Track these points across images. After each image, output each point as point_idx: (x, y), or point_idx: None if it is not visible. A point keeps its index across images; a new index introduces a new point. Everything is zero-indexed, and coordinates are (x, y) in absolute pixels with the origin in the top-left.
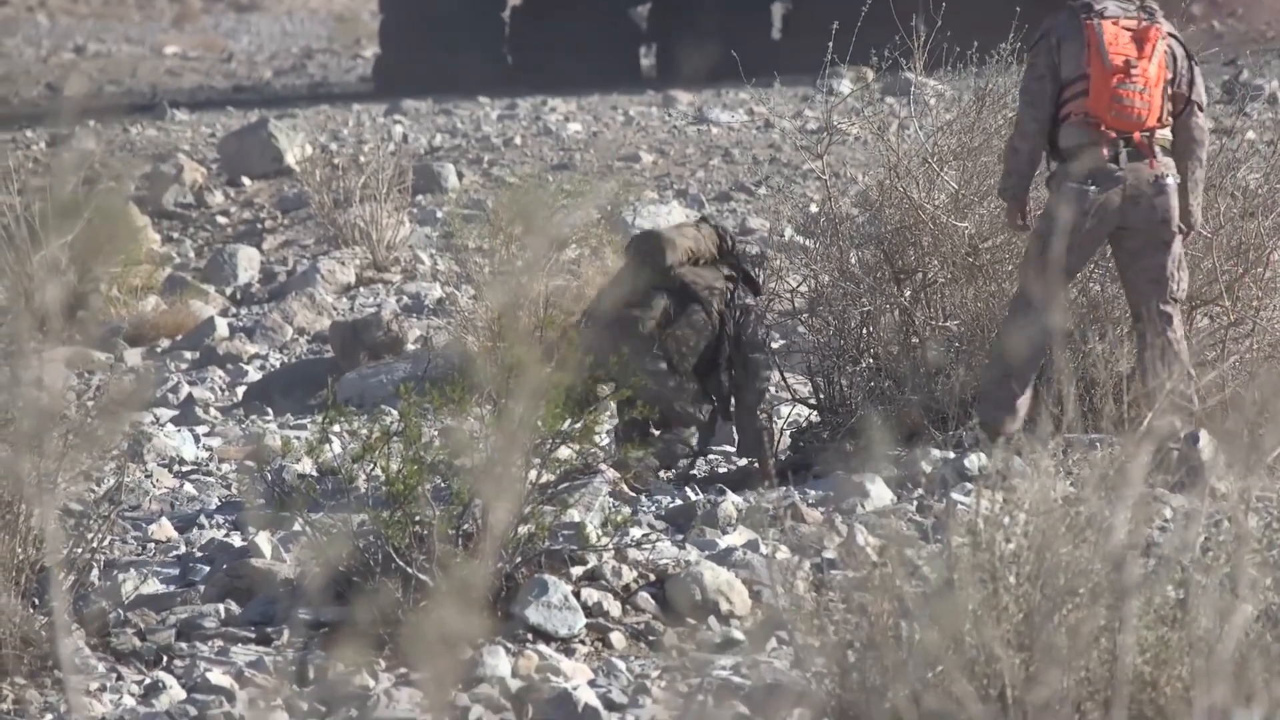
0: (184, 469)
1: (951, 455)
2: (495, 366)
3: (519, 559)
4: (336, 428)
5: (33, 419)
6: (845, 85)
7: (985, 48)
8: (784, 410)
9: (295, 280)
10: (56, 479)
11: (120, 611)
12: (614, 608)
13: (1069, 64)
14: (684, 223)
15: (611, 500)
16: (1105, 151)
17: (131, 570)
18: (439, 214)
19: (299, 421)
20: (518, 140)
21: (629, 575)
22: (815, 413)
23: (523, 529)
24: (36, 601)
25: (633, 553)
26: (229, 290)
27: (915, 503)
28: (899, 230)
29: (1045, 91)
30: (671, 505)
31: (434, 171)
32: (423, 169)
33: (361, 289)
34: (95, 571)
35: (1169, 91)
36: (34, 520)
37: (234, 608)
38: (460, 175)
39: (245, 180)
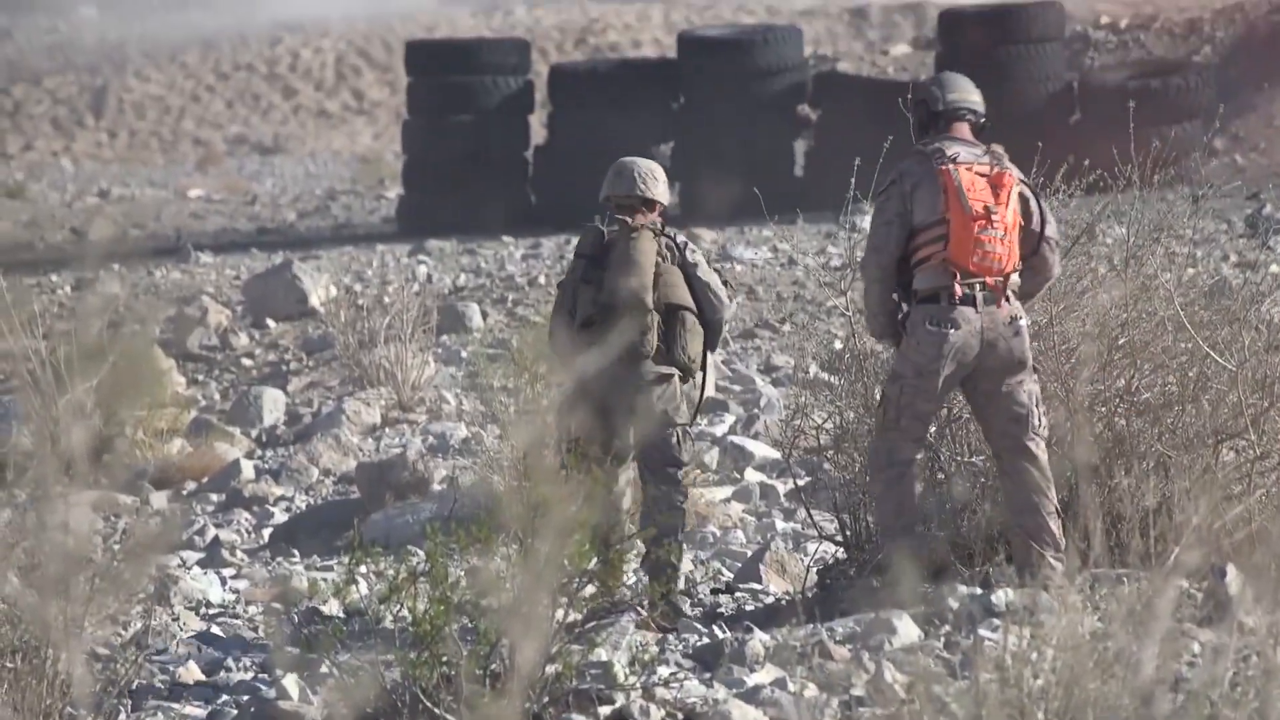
0: (211, 612)
1: (978, 591)
2: (521, 506)
3: (546, 699)
4: (363, 569)
5: (59, 563)
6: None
7: None
8: (810, 547)
9: (321, 421)
10: (84, 623)
11: None
12: None
13: (923, 209)
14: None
15: (639, 639)
16: (962, 294)
17: (159, 714)
18: (464, 354)
19: (325, 563)
20: (542, 279)
21: (657, 714)
22: (842, 549)
23: (550, 668)
24: None
25: (661, 691)
26: (254, 432)
27: (943, 639)
28: None
29: (893, 237)
30: (699, 643)
31: (458, 311)
32: (447, 309)
33: (387, 429)
34: (123, 715)
35: (1020, 236)
36: (61, 664)
37: None
38: (484, 315)
39: (270, 322)
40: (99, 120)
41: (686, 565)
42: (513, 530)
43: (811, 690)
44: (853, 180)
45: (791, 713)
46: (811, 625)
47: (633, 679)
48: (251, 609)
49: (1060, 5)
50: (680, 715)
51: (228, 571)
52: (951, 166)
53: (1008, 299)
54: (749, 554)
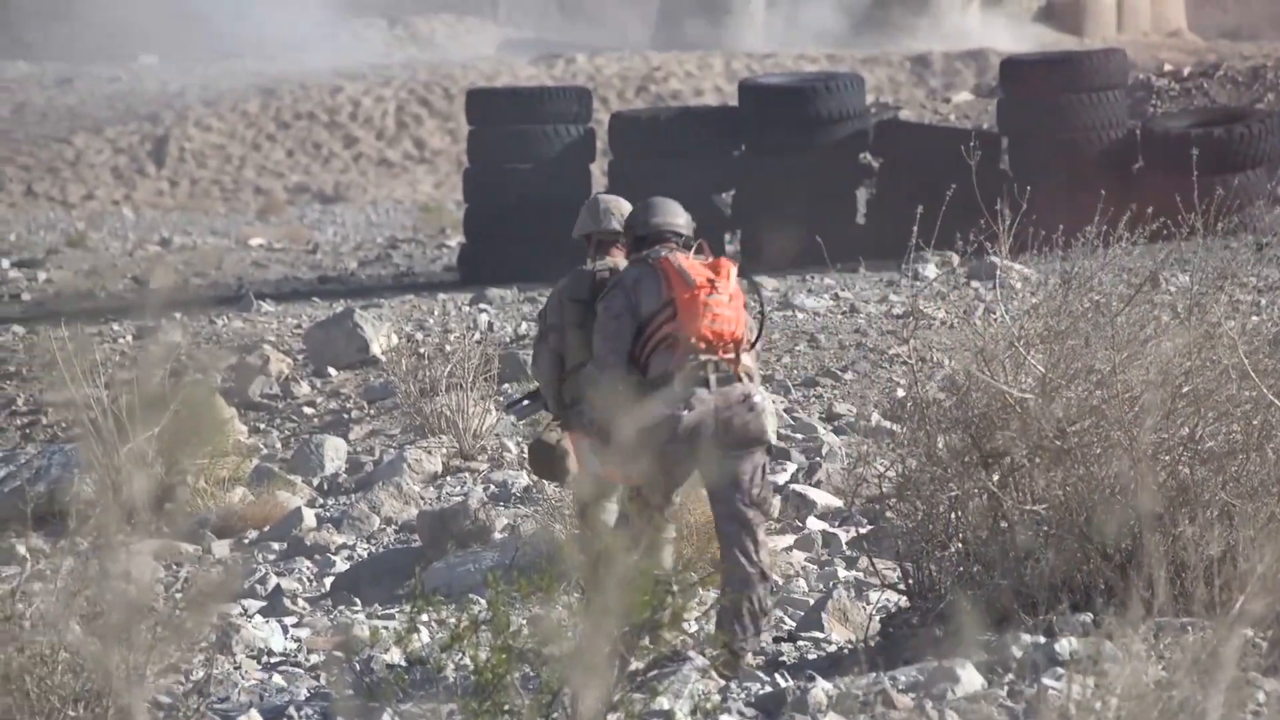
0: (273, 660)
1: (1042, 640)
2: (583, 554)
3: None
4: (425, 617)
5: (122, 611)
6: (930, 270)
7: (1070, 230)
8: (873, 596)
9: (382, 470)
10: (146, 671)
11: None
12: None
13: (649, 299)
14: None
15: (701, 687)
16: (696, 374)
17: None
18: (525, 402)
19: (387, 611)
20: None
21: None
22: (904, 598)
23: (612, 717)
24: None
25: None
26: (316, 481)
27: (1006, 688)
28: (986, 414)
29: (625, 328)
30: (761, 691)
31: (520, 359)
32: (508, 357)
33: (448, 478)
34: None
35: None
36: (124, 713)
37: None
38: None
39: (331, 370)
40: (160, 169)
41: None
42: (574, 578)
43: None
44: (915, 228)
45: None
46: (874, 674)
47: None
48: (313, 657)
49: (1123, 53)
50: None
51: (289, 620)
52: (667, 257)
53: (742, 379)
54: (811, 602)
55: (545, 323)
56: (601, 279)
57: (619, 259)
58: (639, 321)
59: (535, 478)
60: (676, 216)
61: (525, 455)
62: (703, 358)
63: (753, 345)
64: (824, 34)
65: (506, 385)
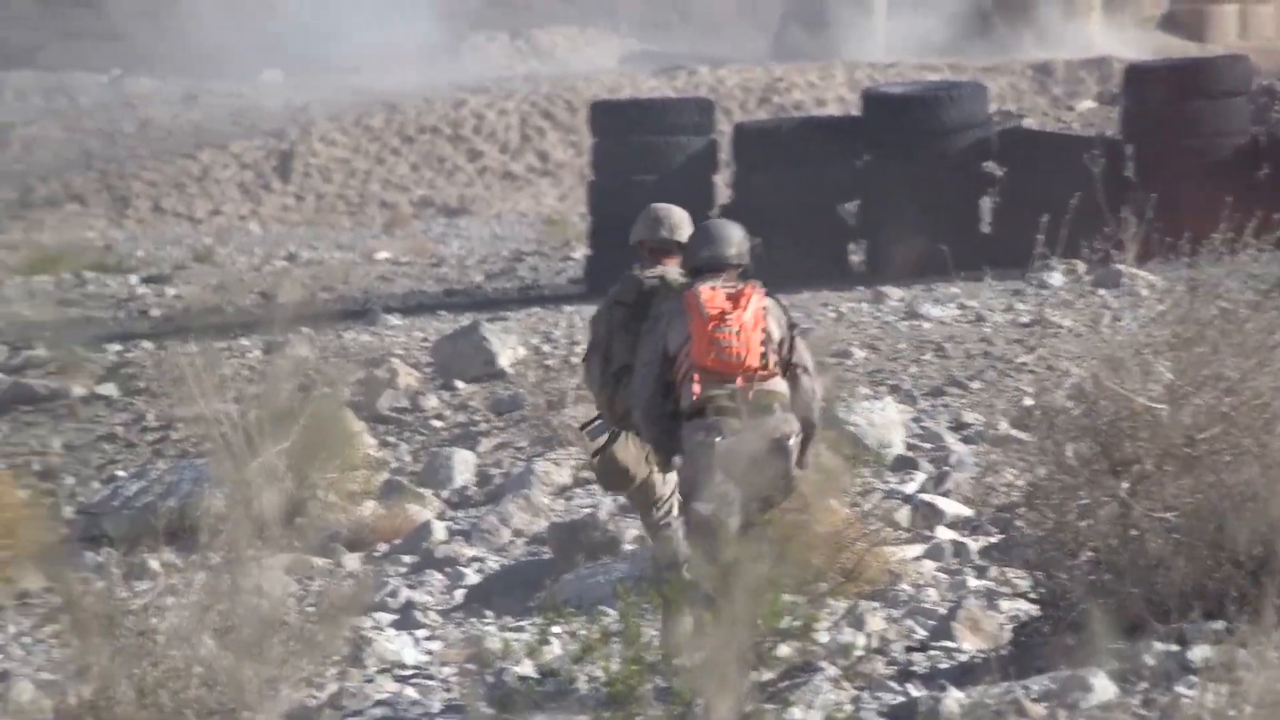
0: (405, 673)
1: (1175, 648)
2: (713, 565)
3: None
4: (556, 629)
5: (254, 626)
6: (1057, 278)
7: (1196, 237)
8: (1004, 605)
9: (511, 482)
10: (279, 685)
11: None
12: None
13: (676, 334)
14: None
15: (833, 697)
16: (728, 405)
17: None
18: None
19: (518, 623)
20: None
21: None
22: (1036, 607)
23: None
24: None
25: None
26: (445, 494)
27: (1139, 696)
28: (1115, 422)
29: (650, 377)
30: (894, 701)
31: None
32: None
33: (578, 490)
34: None
35: (772, 344)
36: None
37: None
38: None
39: (459, 383)
40: (286, 184)
41: (880, 624)
42: (705, 589)
43: None
44: (1040, 236)
45: None
46: (1006, 683)
47: None
48: (445, 670)
49: (1247, 59)
50: None
51: (421, 633)
52: (696, 288)
53: (774, 413)
54: (942, 611)
55: (593, 337)
56: (651, 287)
57: (671, 267)
58: (671, 356)
59: (604, 489)
60: (727, 247)
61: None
62: (727, 387)
63: (785, 368)
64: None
65: None
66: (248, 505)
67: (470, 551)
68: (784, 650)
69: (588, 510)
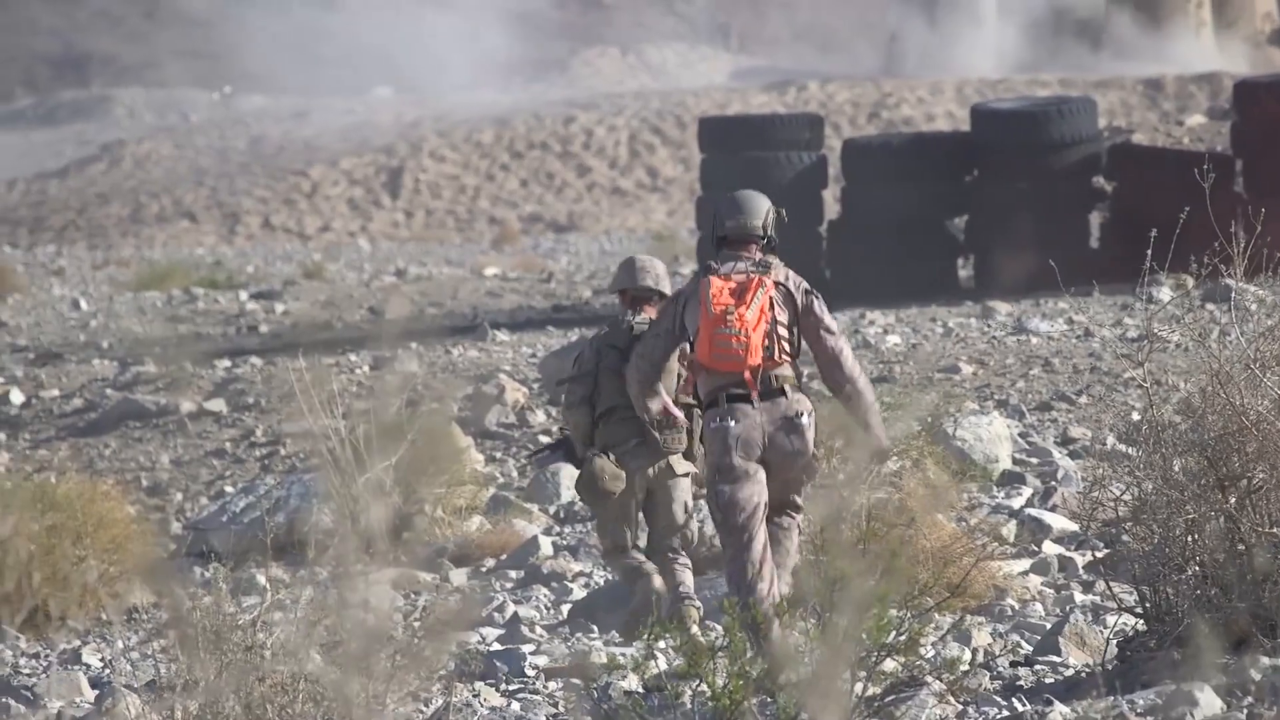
0: (511, 688)
1: None
2: (819, 580)
3: None
4: (661, 644)
5: (361, 640)
6: (1165, 292)
7: None
8: (1110, 619)
9: None
10: (385, 700)
11: None
12: None
13: (692, 320)
14: None
15: (939, 712)
16: (738, 391)
17: None
18: None
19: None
20: None
21: None
22: (1142, 621)
23: None
24: None
25: None
26: (552, 509)
27: (1245, 711)
28: (1223, 437)
29: (659, 348)
30: (999, 716)
31: None
32: None
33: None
34: None
35: (779, 333)
36: None
37: None
38: None
39: None
40: (395, 200)
41: (985, 639)
42: (811, 604)
43: None
44: (1149, 252)
45: None
46: (1112, 697)
47: None
48: (551, 685)
49: None
50: None
51: (527, 647)
52: (709, 278)
53: (786, 394)
54: (1048, 626)
55: (579, 369)
56: (640, 332)
57: (652, 314)
58: (687, 338)
59: (581, 502)
60: (753, 218)
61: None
62: (734, 377)
63: (793, 356)
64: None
65: None
66: (355, 520)
67: (576, 566)
68: (889, 665)
69: (694, 526)
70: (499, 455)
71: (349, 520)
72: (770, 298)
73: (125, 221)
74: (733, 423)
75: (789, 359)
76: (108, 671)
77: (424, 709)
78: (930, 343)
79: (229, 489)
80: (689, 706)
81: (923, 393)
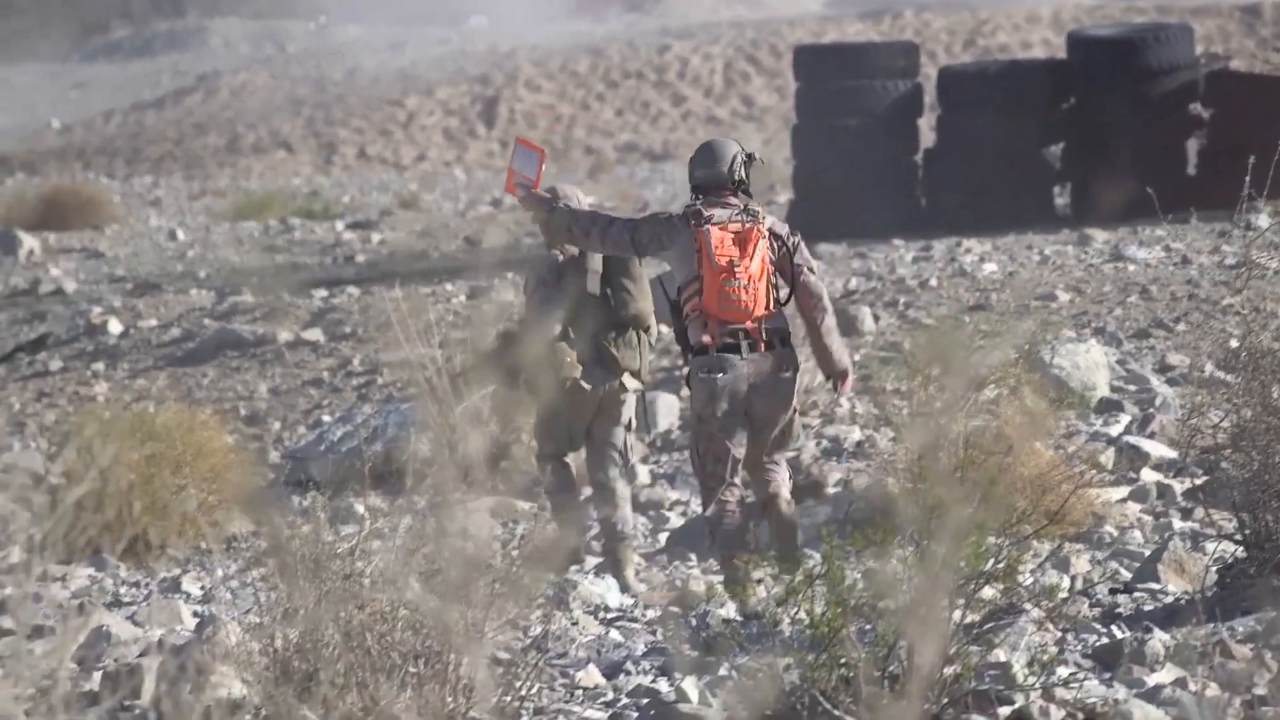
0: (609, 616)
1: None
2: (917, 508)
3: (945, 699)
4: (759, 572)
5: (460, 569)
6: (1263, 219)
7: None
8: (1209, 546)
9: None
10: (484, 628)
11: None
12: None
13: (681, 267)
14: None
15: (1037, 639)
16: (728, 342)
17: (560, 718)
18: (856, 357)
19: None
20: (933, 281)
21: (1057, 715)
22: (1241, 548)
23: (949, 670)
24: None
25: (1060, 692)
26: (649, 438)
27: None
28: None
29: (627, 229)
30: (1098, 643)
31: (850, 314)
32: (839, 312)
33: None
34: (524, 719)
35: (774, 281)
36: (463, 669)
37: None
38: (876, 318)
39: (662, 328)
40: (490, 130)
41: (1084, 566)
42: (909, 532)
43: (1213, 690)
44: (1247, 179)
45: (1193, 712)
46: (1212, 624)
47: (1032, 679)
48: (649, 613)
49: None
50: (1080, 715)
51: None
52: (706, 228)
53: (773, 346)
54: (1147, 554)
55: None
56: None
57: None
58: (644, 253)
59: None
60: (722, 164)
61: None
62: (731, 327)
63: (783, 304)
64: None
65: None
66: (453, 449)
67: (674, 495)
68: (988, 592)
69: (791, 453)
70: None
71: (447, 449)
72: (769, 248)
73: (221, 152)
74: (720, 374)
75: (780, 308)
76: (207, 600)
77: (522, 637)
78: (1027, 270)
79: (326, 418)
80: (787, 634)
81: (1020, 320)
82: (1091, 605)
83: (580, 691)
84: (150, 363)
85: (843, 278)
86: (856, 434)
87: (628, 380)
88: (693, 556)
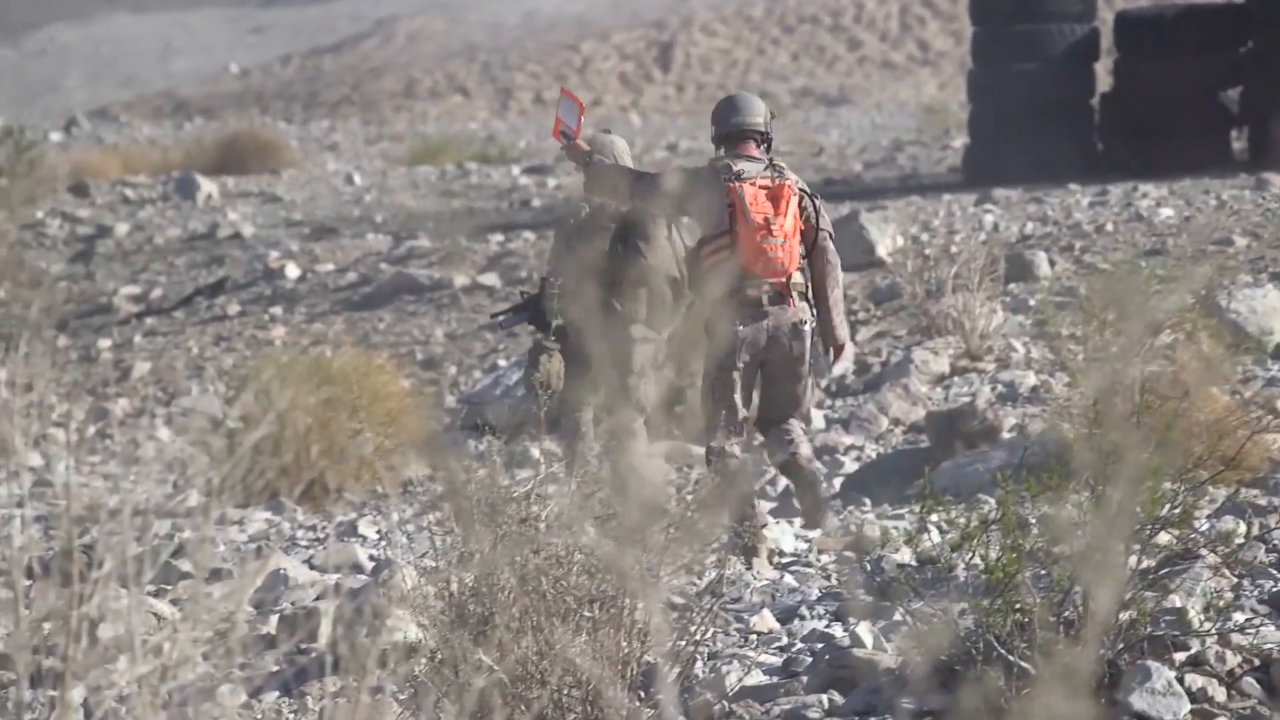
0: (784, 560)
1: None
2: (1092, 453)
3: (1121, 645)
4: (934, 517)
5: (635, 513)
6: None
7: None
8: None
9: (890, 371)
10: (659, 572)
11: (725, 704)
12: (1219, 693)
13: (707, 219)
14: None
15: (1213, 585)
16: (751, 295)
17: (734, 662)
18: (1031, 302)
19: (896, 512)
20: (1109, 226)
21: (1233, 660)
22: None
23: (1124, 615)
24: (643, 694)
25: (1236, 637)
26: (824, 383)
27: None
28: None
29: (651, 188)
30: (1275, 589)
31: (1025, 259)
32: (1014, 257)
33: (955, 378)
34: (699, 664)
35: (799, 239)
36: (639, 614)
37: (837, 698)
38: (1052, 263)
39: None
40: (666, 74)
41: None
42: (1085, 477)
43: None
44: None
45: None
46: None
47: (1208, 625)
48: (824, 558)
49: None
50: (1256, 661)
51: (799, 521)
52: (738, 184)
53: (793, 301)
54: None
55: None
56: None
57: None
58: (706, 235)
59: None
60: (752, 117)
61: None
62: (756, 280)
63: (814, 251)
64: None
65: (1012, 285)
66: (629, 393)
67: (848, 440)
68: (1163, 538)
69: (966, 399)
70: None
71: (623, 394)
72: (799, 205)
73: (398, 96)
74: (742, 326)
75: (802, 264)
76: (384, 544)
77: (697, 581)
78: (1203, 215)
79: (502, 362)
80: (962, 579)
81: (1196, 265)
82: (1268, 551)
83: (755, 636)
84: (327, 307)
85: (1018, 222)
86: (1032, 379)
87: (634, 330)
88: (867, 501)
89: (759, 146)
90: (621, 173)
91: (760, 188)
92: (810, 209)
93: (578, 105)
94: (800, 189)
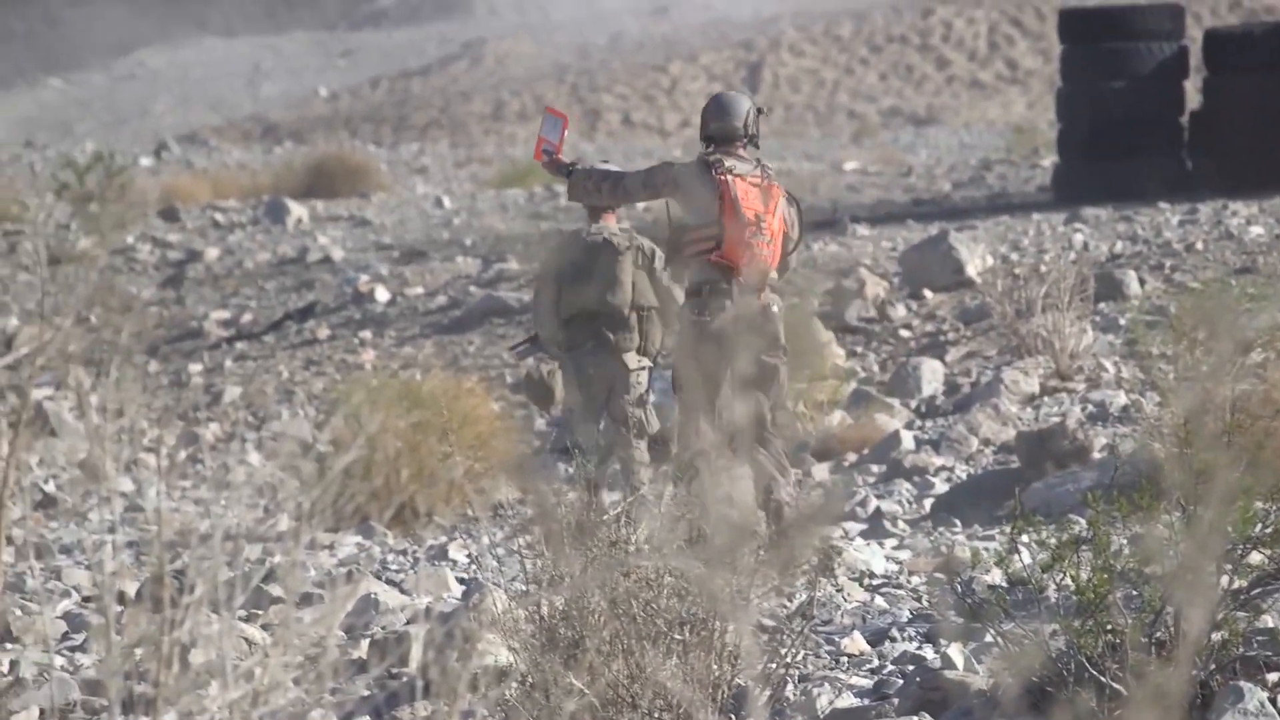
0: (874, 582)
1: None
2: (1183, 473)
3: (1213, 666)
4: (1025, 537)
5: (725, 536)
6: None
7: None
8: None
9: (979, 391)
10: (750, 595)
11: None
12: None
13: (697, 211)
14: None
15: None
16: (724, 287)
17: (825, 684)
18: (1121, 321)
19: (987, 533)
20: (1199, 245)
21: None
22: None
23: (1216, 635)
24: (734, 718)
25: None
26: (914, 403)
27: None
28: None
29: (637, 186)
30: None
31: (1115, 279)
32: (1104, 276)
33: (1045, 398)
34: (790, 686)
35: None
36: (729, 636)
37: None
38: (1142, 281)
39: (927, 293)
40: (754, 94)
41: None
42: (1176, 497)
43: None
44: None
45: None
46: None
47: None
48: (914, 579)
49: None
50: None
51: (890, 542)
52: (729, 178)
53: (765, 290)
54: None
55: (546, 270)
56: (593, 242)
57: (611, 223)
58: (686, 225)
59: (531, 404)
60: (736, 118)
61: (522, 384)
62: (733, 274)
63: (785, 256)
64: None
65: (1102, 304)
66: (718, 415)
67: (938, 461)
68: (1255, 558)
69: (1056, 419)
70: (860, 349)
71: (713, 416)
72: (786, 208)
73: (487, 119)
74: (708, 317)
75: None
76: (474, 567)
77: (788, 603)
78: None
79: None
80: (1053, 600)
81: None
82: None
83: (845, 658)
84: (417, 330)
85: (1108, 241)
86: (1122, 399)
87: (629, 359)
88: (957, 522)
89: (744, 146)
90: (603, 174)
91: (751, 184)
92: (795, 217)
93: (561, 120)
94: (788, 194)
